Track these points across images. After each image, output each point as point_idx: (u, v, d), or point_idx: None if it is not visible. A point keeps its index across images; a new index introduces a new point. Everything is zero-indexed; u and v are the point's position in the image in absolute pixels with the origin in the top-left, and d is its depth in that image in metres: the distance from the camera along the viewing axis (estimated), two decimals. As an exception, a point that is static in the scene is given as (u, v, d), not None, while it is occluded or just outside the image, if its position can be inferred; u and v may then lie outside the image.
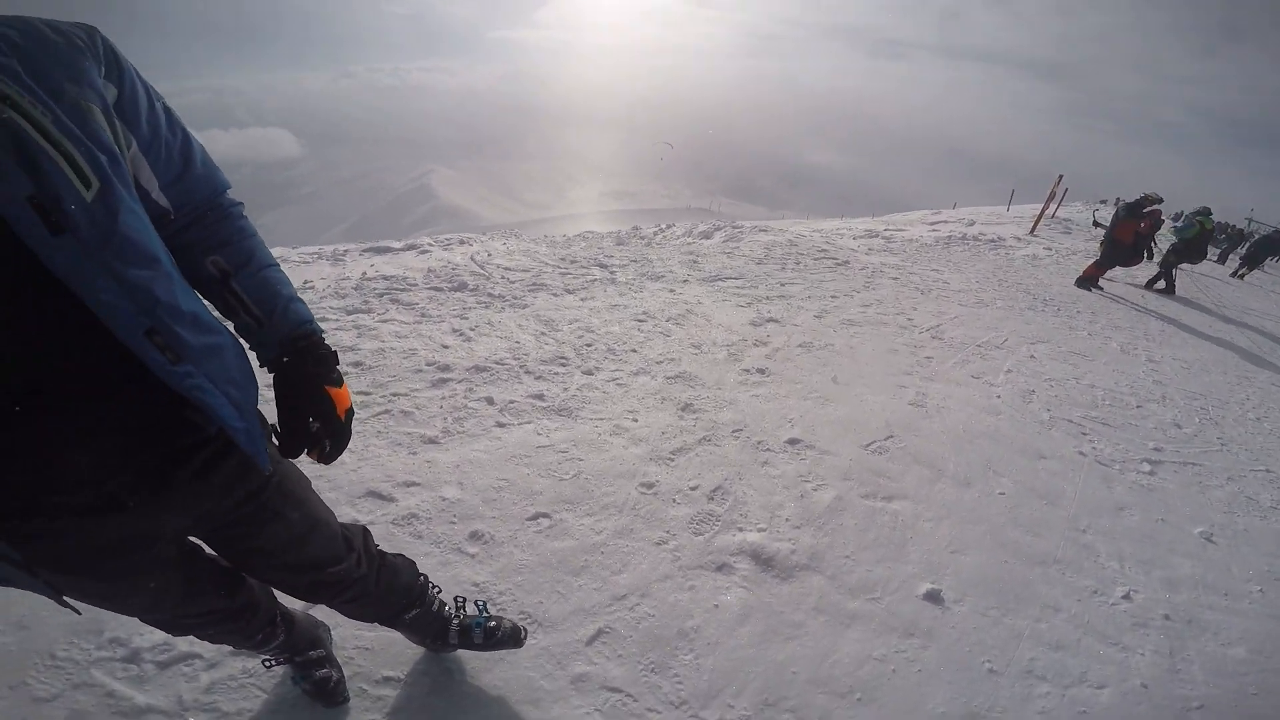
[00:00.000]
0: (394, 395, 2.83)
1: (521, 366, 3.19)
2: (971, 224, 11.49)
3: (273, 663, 1.49)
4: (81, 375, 0.75)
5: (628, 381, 3.21)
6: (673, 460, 2.63)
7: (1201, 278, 10.97)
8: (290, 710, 1.52)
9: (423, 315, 3.73)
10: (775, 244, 6.92)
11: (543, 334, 3.63)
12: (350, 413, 1.03)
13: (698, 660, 1.77)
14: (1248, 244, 15.72)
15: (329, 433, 0.99)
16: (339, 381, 1.02)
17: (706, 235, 7.20)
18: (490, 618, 1.63)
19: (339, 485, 2.23)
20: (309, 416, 0.98)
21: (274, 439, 1.01)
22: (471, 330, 3.55)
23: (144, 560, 0.93)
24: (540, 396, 2.94)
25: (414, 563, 1.51)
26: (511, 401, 2.87)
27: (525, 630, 1.68)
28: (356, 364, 3.07)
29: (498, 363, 3.19)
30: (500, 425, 2.70)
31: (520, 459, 2.49)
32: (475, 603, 1.67)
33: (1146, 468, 3.23)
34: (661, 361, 3.49)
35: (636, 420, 2.88)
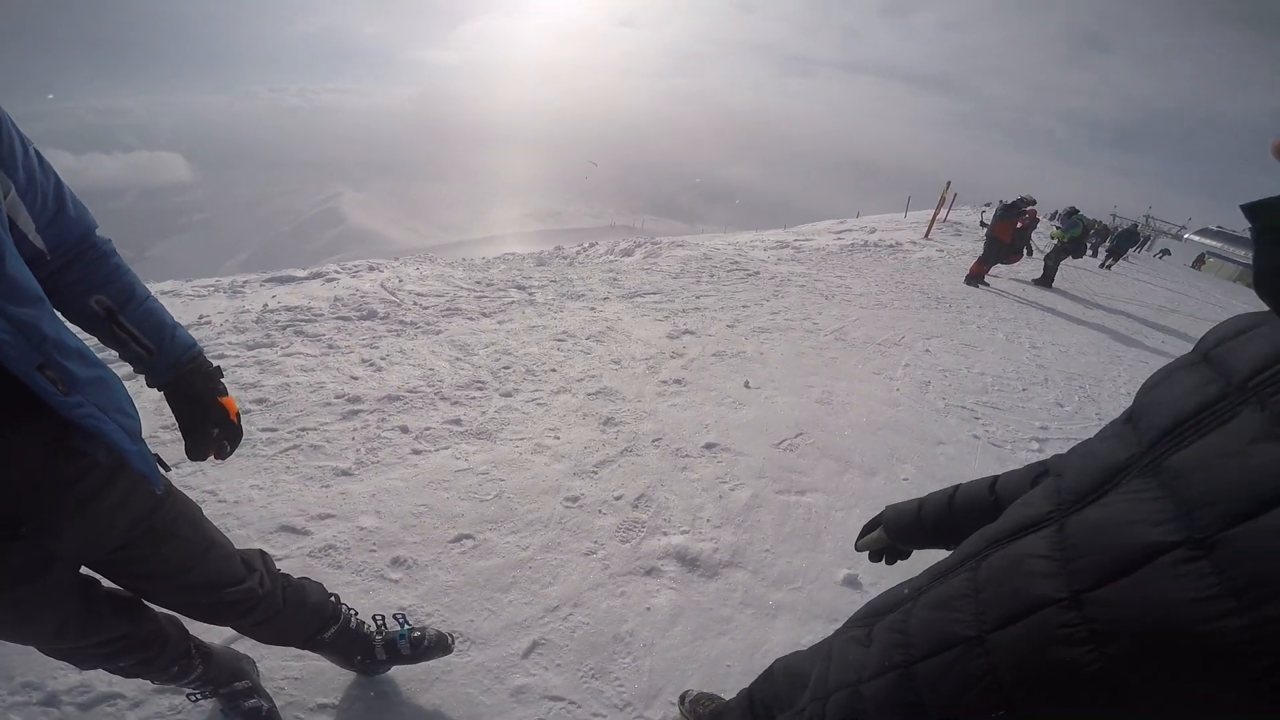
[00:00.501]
0: (302, 430, 2.72)
1: (436, 393, 3.15)
2: (873, 231, 12.31)
3: (198, 697, 1.44)
4: None
5: (548, 400, 3.24)
6: (596, 473, 2.68)
7: (1073, 269, 12.23)
8: None
9: (330, 347, 3.60)
10: (691, 258, 7.16)
11: (458, 359, 3.59)
12: (239, 414, 1.19)
13: (635, 662, 1.81)
14: (1111, 238, 17.58)
15: (227, 435, 1.15)
16: (225, 391, 1.17)
17: (628, 252, 7.34)
18: (413, 628, 1.63)
19: (248, 522, 2.14)
20: (210, 425, 1.12)
21: (161, 465, 1.06)
22: (382, 360, 3.47)
23: (40, 588, 0.94)
24: (457, 421, 2.92)
25: (321, 584, 1.50)
26: (427, 428, 2.83)
27: (453, 637, 1.68)
28: (260, 400, 2.93)
29: (411, 391, 3.14)
30: (416, 452, 2.66)
31: (439, 484, 2.46)
32: (394, 616, 1.65)
33: (1035, 445, 3.59)
34: (582, 379, 3.54)
35: (558, 438, 2.90)
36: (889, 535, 1.02)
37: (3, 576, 0.89)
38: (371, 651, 1.56)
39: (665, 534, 2.35)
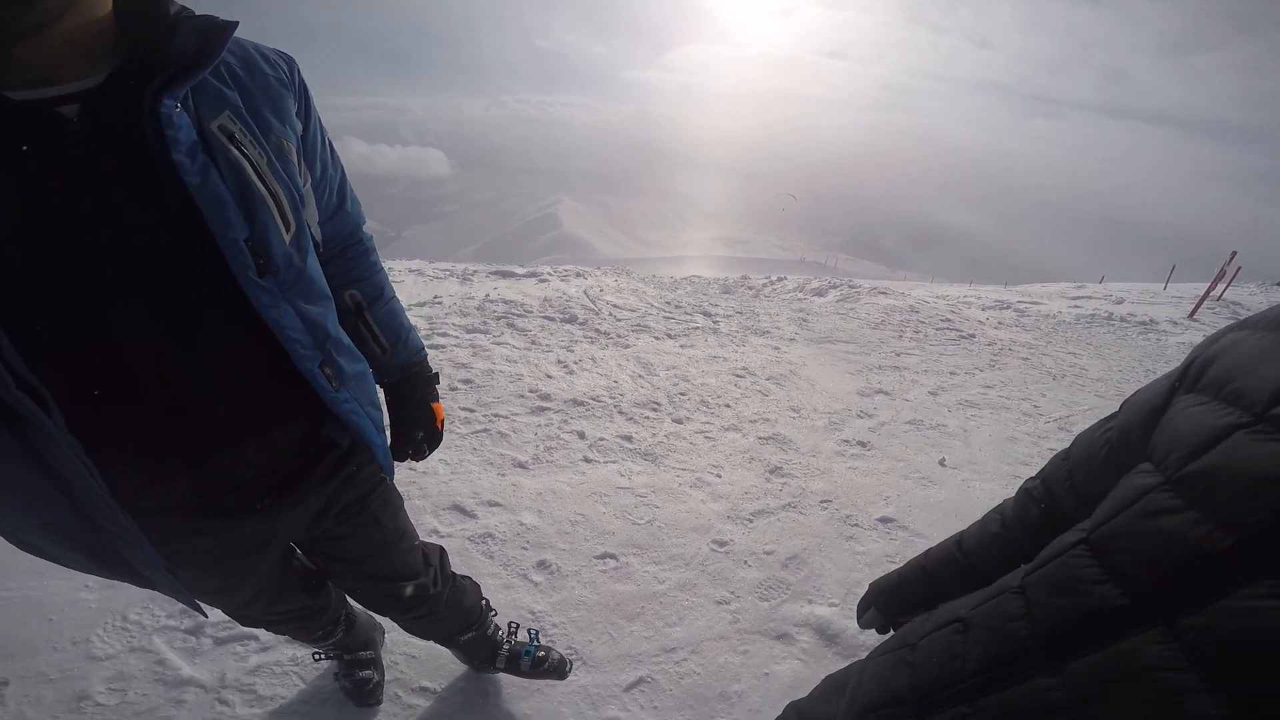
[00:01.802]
0: (495, 416, 2.98)
1: (616, 406, 3.25)
2: (1120, 302, 10.36)
3: (321, 656, 1.54)
4: (261, 404, 0.81)
5: (717, 436, 3.17)
6: (751, 521, 2.55)
7: None
8: (321, 704, 1.59)
9: (533, 343, 3.92)
10: (894, 309, 6.61)
11: (640, 376, 3.69)
12: (444, 422, 1.24)
13: None
14: None
15: (429, 439, 1.19)
16: (438, 397, 1.22)
17: (819, 292, 7.03)
18: (540, 647, 1.66)
19: (429, 494, 2.37)
20: (418, 429, 1.16)
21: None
22: (575, 363, 3.69)
23: (259, 560, 0.98)
24: (629, 438, 2.98)
25: (478, 586, 1.56)
26: (601, 439, 2.93)
27: (571, 664, 1.68)
28: (467, 381, 3.27)
29: (594, 399, 3.28)
30: (587, 460, 2.75)
31: (599, 496, 2.52)
32: (528, 630, 1.70)
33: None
34: (755, 420, 3.42)
35: (720, 476, 2.82)
36: (882, 613, 1.02)
37: (233, 547, 0.91)
38: (494, 659, 1.60)
39: (810, 601, 2.16)
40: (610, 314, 4.74)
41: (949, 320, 6.57)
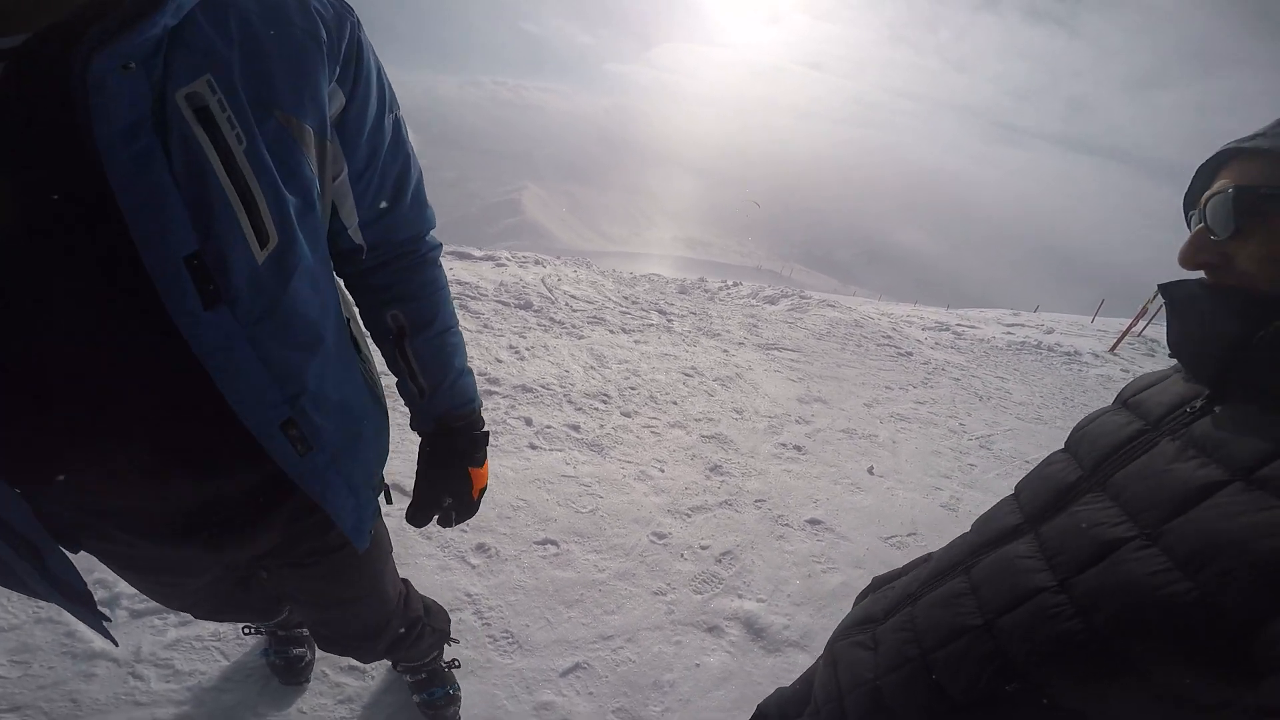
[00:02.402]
0: (441, 398, 2.97)
1: (565, 395, 3.29)
2: (1050, 331, 11.04)
3: (252, 630, 1.47)
4: (198, 452, 0.65)
5: (663, 431, 3.25)
6: (690, 516, 2.64)
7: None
8: (244, 680, 1.56)
9: (485, 326, 3.90)
10: (840, 322, 6.87)
11: (591, 368, 3.73)
12: (483, 491, 1.00)
13: (665, 714, 1.75)
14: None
15: (459, 509, 0.98)
16: (482, 461, 0.98)
17: (771, 300, 7.23)
18: (450, 696, 1.55)
19: None
20: (445, 494, 0.96)
21: (386, 498, 0.96)
22: (527, 350, 3.70)
23: (198, 579, 0.92)
24: (576, 428, 3.02)
25: (444, 629, 1.45)
26: (548, 426, 2.96)
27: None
28: (414, 361, 3.25)
29: (544, 386, 3.30)
30: (533, 447, 2.78)
31: (543, 483, 2.56)
32: (450, 663, 1.62)
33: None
34: (700, 419, 3.52)
35: (663, 470, 2.90)
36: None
37: (173, 564, 0.85)
38: (410, 672, 1.53)
39: (740, 596, 2.26)
40: (566, 304, 4.76)
41: (890, 337, 6.88)
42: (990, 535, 0.74)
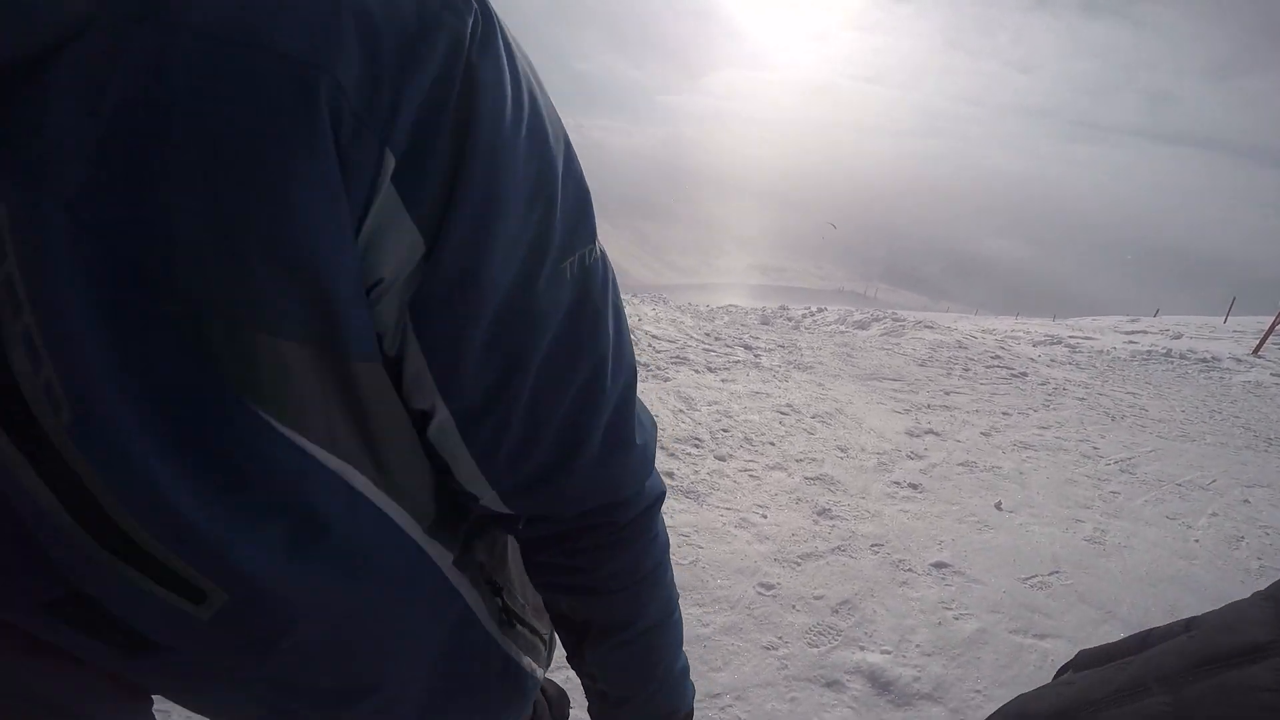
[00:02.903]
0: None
1: (657, 441, 3.18)
2: (1178, 337, 9.88)
3: None
4: None
5: (762, 475, 3.07)
6: (799, 565, 2.45)
7: None
8: None
9: (570, 373, 3.90)
10: (941, 344, 6.42)
11: (680, 411, 3.61)
12: None
13: None
14: None
15: None
16: None
17: (862, 325, 6.89)
18: None
19: None
20: None
21: None
22: (613, 395, 3.64)
23: None
24: (670, 475, 2.90)
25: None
26: (642, 476, 2.86)
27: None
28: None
29: (634, 433, 3.22)
30: (628, 499, 2.69)
31: (642, 538, 2.44)
32: None
33: None
34: (801, 460, 3.31)
35: (765, 516, 2.72)
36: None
37: None
38: None
39: (862, 648, 2.05)
40: (649, 345, 4.70)
41: (999, 357, 6.35)
42: (1219, 649, 0.53)
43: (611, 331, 0.39)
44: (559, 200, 0.34)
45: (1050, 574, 2.66)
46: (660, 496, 0.53)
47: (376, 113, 0.27)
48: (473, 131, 0.29)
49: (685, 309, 6.88)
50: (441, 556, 0.43)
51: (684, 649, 0.63)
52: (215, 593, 0.31)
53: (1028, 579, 2.61)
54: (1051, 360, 6.93)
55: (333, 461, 0.32)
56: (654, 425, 0.51)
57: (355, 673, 0.41)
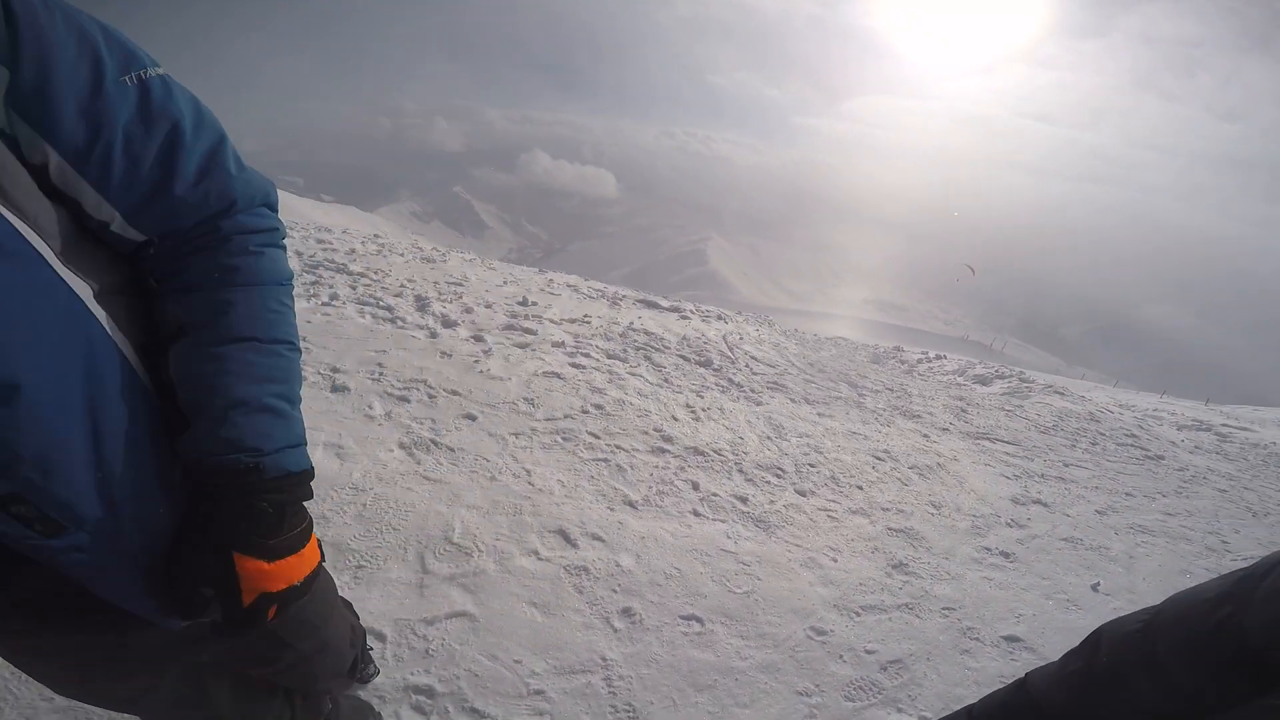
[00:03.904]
0: (617, 448, 3.03)
1: (736, 464, 3.16)
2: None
3: None
4: None
5: (842, 517, 2.97)
6: (859, 616, 2.34)
7: None
8: None
9: (666, 380, 3.96)
10: (1070, 413, 5.83)
11: (768, 438, 3.57)
12: (271, 599, 0.68)
13: None
14: None
15: (225, 617, 0.68)
16: (271, 553, 0.67)
17: (983, 380, 6.41)
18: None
19: (540, 513, 2.44)
20: (196, 581, 0.67)
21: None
22: (703, 410, 3.66)
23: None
24: (744, 499, 2.88)
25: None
26: (714, 494, 2.86)
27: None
28: (599, 406, 3.38)
29: (716, 451, 3.22)
30: (695, 514, 2.70)
31: (700, 554, 2.44)
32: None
33: None
34: (888, 509, 3.16)
35: (836, 560, 2.63)
36: None
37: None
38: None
39: (900, 709, 1.94)
40: (747, 365, 4.67)
41: (1134, 436, 5.68)
42: None
43: (183, 112, 0.62)
44: (112, 52, 0.57)
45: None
46: (272, 231, 0.70)
47: None
48: (14, 15, 0.50)
49: (791, 334, 6.74)
50: (80, 288, 0.57)
51: (302, 412, 0.73)
52: None
53: (1114, 677, 2.35)
54: (1196, 447, 6.10)
55: None
56: (268, 180, 0.71)
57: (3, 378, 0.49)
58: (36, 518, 0.54)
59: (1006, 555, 2.99)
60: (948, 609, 2.49)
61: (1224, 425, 7.48)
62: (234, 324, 0.65)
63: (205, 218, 0.65)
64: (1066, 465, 4.49)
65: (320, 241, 6.27)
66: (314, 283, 4.71)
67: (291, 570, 0.69)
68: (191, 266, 0.65)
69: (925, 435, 4.28)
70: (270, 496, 0.66)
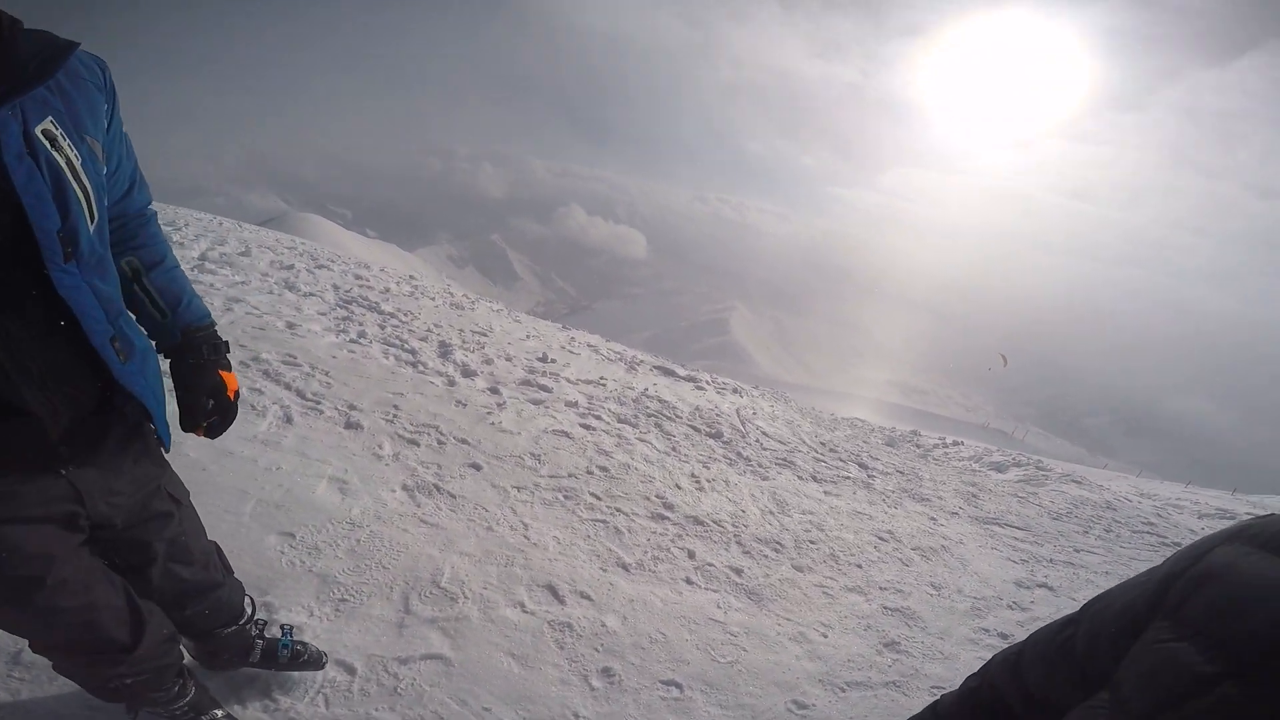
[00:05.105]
0: (617, 510, 3.09)
1: (735, 535, 3.19)
2: None
3: None
4: (63, 366, 0.89)
5: (837, 595, 2.95)
6: (844, 692, 2.32)
7: None
8: None
9: (673, 449, 4.04)
10: (1085, 501, 5.72)
11: (770, 512, 3.59)
12: (238, 394, 1.22)
13: None
14: None
15: (220, 409, 1.17)
16: (230, 366, 1.22)
17: (999, 468, 6.35)
18: (297, 641, 1.67)
19: (531, 566, 2.49)
20: (204, 394, 1.15)
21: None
22: (708, 481, 3.71)
23: (65, 540, 0.98)
24: (739, 571, 2.89)
25: (241, 583, 1.52)
26: (710, 564, 2.88)
27: (327, 657, 1.72)
28: (604, 469, 3.46)
29: (715, 521, 3.26)
30: (688, 582, 2.72)
31: (688, 622, 2.46)
32: (280, 626, 1.67)
33: None
34: (886, 588, 3.13)
35: (826, 636, 2.61)
36: None
37: (41, 508, 0.93)
38: (249, 653, 1.56)
39: None
40: (757, 440, 4.73)
41: (1152, 524, 5.52)
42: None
43: (133, 153, 1.09)
44: (120, 120, 1.02)
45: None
46: (157, 215, 1.21)
47: (105, 86, 0.96)
48: (115, 96, 0.98)
49: (806, 412, 6.78)
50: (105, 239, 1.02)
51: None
52: (96, 217, 0.92)
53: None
54: (1226, 550, 5.88)
55: None
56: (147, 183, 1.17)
57: (115, 272, 1.03)
58: (121, 350, 0.95)
59: (1004, 636, 2.94)
60: (937, 688, 2.45)
61: (1248, 514, 7.18)
62: (171, 260, 1.18)
63: (140, 208, 1.14)
64: (1077, 551, 4.38)
65: (358, 278, 6.53)
66: (345, 318, 4.88)
67: (234, 380, 1.22)
68: (138, 235, 1.13)
69: (933, 518, 4.24)
70: (216, 336, 1.21)
